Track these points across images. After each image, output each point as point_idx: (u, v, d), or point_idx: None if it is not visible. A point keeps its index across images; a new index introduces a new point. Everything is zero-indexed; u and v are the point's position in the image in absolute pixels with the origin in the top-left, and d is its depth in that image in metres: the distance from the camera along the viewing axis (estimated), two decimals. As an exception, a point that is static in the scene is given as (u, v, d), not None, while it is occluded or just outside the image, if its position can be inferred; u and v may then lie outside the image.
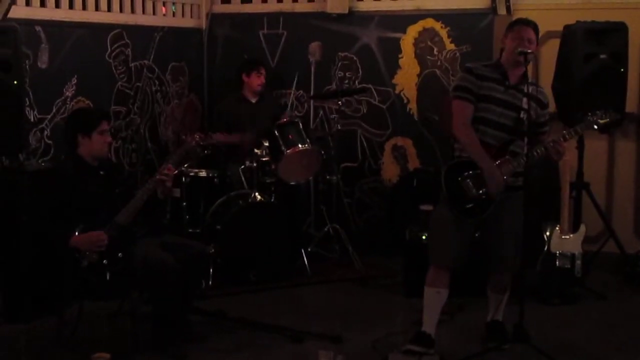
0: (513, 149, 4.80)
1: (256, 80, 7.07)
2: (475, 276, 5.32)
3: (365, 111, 7.42)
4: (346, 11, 7.32)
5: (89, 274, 4.68)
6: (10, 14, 5.49)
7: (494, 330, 5.11)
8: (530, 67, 4.85)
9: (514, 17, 6.75)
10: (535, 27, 4.83)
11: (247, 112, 7.04)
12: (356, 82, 7.41)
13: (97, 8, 6.51)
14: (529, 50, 4.74)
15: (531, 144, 4.72)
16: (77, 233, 4.70)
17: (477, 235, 4.97)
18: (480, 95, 4.80)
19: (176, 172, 5.13)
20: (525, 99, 4.73)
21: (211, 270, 6.11)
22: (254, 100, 7.15)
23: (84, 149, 4.92)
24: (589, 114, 4.98)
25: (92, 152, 4.93)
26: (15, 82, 5.21)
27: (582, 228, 5.96)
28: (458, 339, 5.20)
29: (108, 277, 4.68)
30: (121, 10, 6.79)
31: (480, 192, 4.74)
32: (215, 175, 6.70)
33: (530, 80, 4.81)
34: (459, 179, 4.78)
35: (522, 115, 4.76)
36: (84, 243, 4.68)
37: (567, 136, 4.87)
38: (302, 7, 7.60)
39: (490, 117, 4.79)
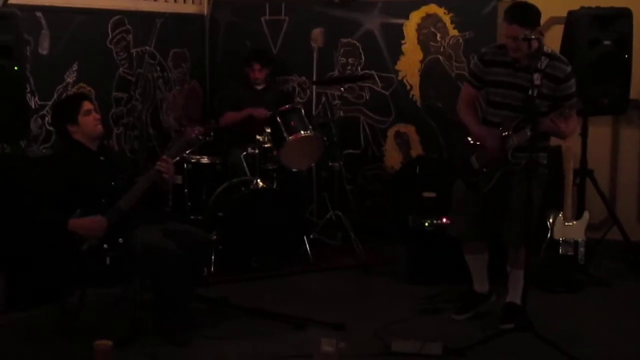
0: (522, 125, 4.91)
1: (251, 74, 7.09)
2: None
3: (367, 98, 7.39)
4: (349, -4, 7.30)
5: (89, 258, 4.66)
6: (11, 0, 5.46)
7: (506, 312, 5.14)
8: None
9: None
10: (522, 21, 4.79)
11: (251, 97, 7.04)
12: (359, 68, 7.38)
13: (98, -6, 6.49)
14: (533, 37, 4.74)
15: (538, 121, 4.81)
16: (76, 217, 4.68)
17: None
18: (486, 81, 5.06)
19: (173, 161, 5.10)
20: (538, 75, 4.83)
21: (213, 257, 6.11)
22: (259, 88, 7.15)
23: (78, 134, 4.93)
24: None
25: (86, 134, 4.94)
26: (16, 68, 5.20)
27: (586, 215, 5.94)
28: (461, 326, 5.20)
29: (108, 262, 4.67)
30: (122, -4, 6.78)
31: (482, 166, 5.04)
32: (218, 161, 6.70)
33: (550, 52, 4.93)
34: (470, 153, 5.09)
35: (530, 92, 4.79)
36: (83, 227, 4.67)
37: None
38: (304, -7, 7.57)
39: (498, 99, 5.03)
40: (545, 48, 4.93)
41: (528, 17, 4.83)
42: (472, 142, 5.11)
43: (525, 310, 4.79)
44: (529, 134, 4.80)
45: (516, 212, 4.94)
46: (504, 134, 4.93)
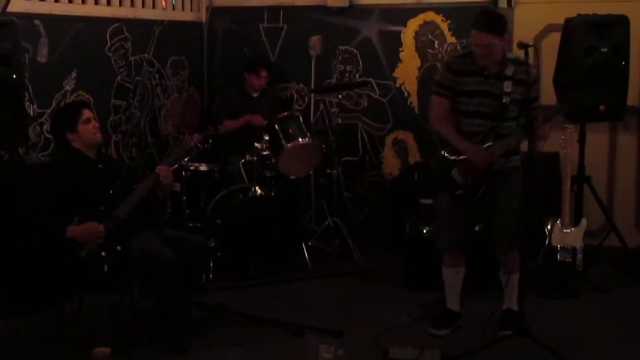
0: (502, 132, 4.93)
1: (255, 81, 7.08)
2: (475, 269, 5.40)
3: (365, 105, 7.41)
4: (347, 4, 7.29)
5: (87, 265, 4.67)
6: (10, 8, 5.47)
7: (504, 319, 5.15)
8: (531, 61, 4.84)
9: (515, 10, 6.78)
10: (490, 28, 4.81)
11: (248, 105, 7.05)
12: (357, 75, 7.39)
13: (96, 2, 6.50)
14: (530, 44, 4.77)
15: (525, 125, 4.87)
16: (74, 224, 4.69)
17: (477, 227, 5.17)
18: (457, 91, 5.00)
19: (171, 169, 5.11)
20: (509, 82, 4.86)
21: (212, 264, 6.11)
22: (255, 95, 7.15)
23: (77, 142, 4.93)
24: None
25: (85, 142, 4.94)
26: (14, 76, 5.21)
27: (584, 222, 5.95)
28: (459, 333, 5.20)
29: (106, 269, 4.67)
30: (121, 4, 6.78)
31: (466, 178, 4.98)
32: (216, 169, 6.71)
33: (514, 58, 4.93)
34: (449, 167, 5.02)
35: (504, 100, 4.87)
36: (81, 234, 4.67)
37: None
38: (302, 0, 7.57)
39: (470, 108, 4.99)
40: (508, 54, 4.96)
41: (496, 24, 4.86)
42: (448, 155, 5.04)
43: (523, 316, 4.79)
44: (513, 142, 4.88)
45: (505, 218, 4.98)
46: (486, 145, 4.92)
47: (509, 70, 4.90)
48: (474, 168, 4.95)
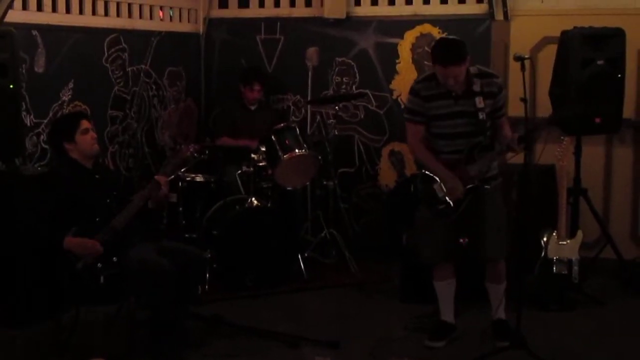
0: (484, 146, 4.97)
1: (250, 95, 7.11)
2: (468, 281, 5.41)
3: (362, 116, 7.42)
4: (343, 16, 7.32)
5: (84, 276, 4.66)
6: (7, 18, 5.48)
7: (498, 329, 5.17)
8: (527, 73, 4.85)
9: (512, 23, 6.80)
10: (457, 61, 4.80)
11: (245, 118, 7.07)
12: (353, 87, 7.41)
13: (94, 12, 6.51)
14: (527, 56, 4.83)
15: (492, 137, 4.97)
16: (71, 235, 4.68)
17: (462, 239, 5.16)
18: (430, 115, 5.00)
19: (168, 179, 5.11)
20: (480, 98, 4.89)
21: (208, 275, 6.11)
22: (252, 108, 7.17)
23: (74, 153, 4.93)
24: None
25: (83, 152, 4.94)
26: (11, 86, 5.23)
27: (580, 234, 5.95)
28: (454, 345, 5.20)
29: (102, 281, 4.66)
30: (118, 15, 6.79)
31: (446, 196, 4.97)
32: (212, 180, 6.70)
33: (477, 72, 4.94)
34: (430, 182, 5.01)
35: (480, 117, 4.90)
36: (78, 247, 4.66)
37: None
38: (299, 12, 7.59)
39: (447, 131, 5.00)
40: (471, 69, 4.95)
41: (464, 51, 4.85)
42: (428, 173, 5.04)
43: (519, 329, 4.79)
44: (495, 157, 4.95)
45: (489, 228, 5.01)
46: (467, 166, 4.95)
47: (476, 86, 4.91)
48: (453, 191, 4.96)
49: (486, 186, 4.98)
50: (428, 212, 5.06)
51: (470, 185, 4.94)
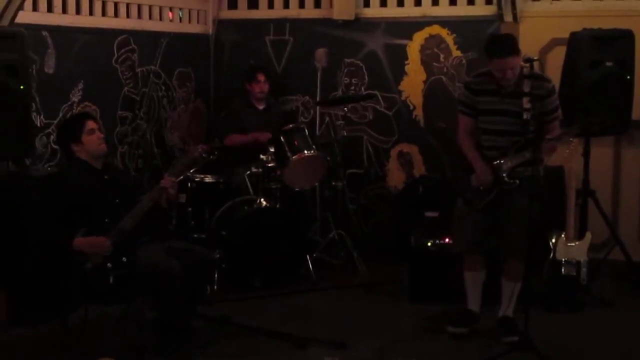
0: (521, 146, 5.04)
1: (256, 88, 7.09)
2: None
3: (371, 117, 7.42)
4: (352, 17, 7.33)
5: (93, 277, 4.67)
6: (17, 19, 5.51)
7: (505, 326, 5.21)
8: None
9: (521, 24, 6.79)
10: (513, 52, 4.96)
11: (254, 118, 7.06)
12: (362, 88, 7.42)
13: (103, 13, 6.53)
14: (535, 58, 4.90)
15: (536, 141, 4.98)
16: (80, 236, 4.70)
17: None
18: (479, 110, 5.19)
19: (177, 180, 5.12)
20: (527, 99, 4.95)
21: (216, 275, 6.12)
22: (260, 107, 7.17)
23: (82, 153, 4.94)
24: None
25: (90, 153, 4.95)
26: (21, 87, 5.25)
27: (588, 235, 5.94)
28: (464, 346, 5.20)
29: (111, 281, 4.68)
30: (128, 16, 6.81)
31: (479, 184, 5.17)
32: (221, 180, 6.71)
33: (529, 74, 4.97)
34: (467, 172, 5.22)
35: (525, 117, 4.93)
36: (87, 246, 4.67)
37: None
38: (308, 13, 7.60)
39: (492, 127, 5.17)
40: (524, 70, 5.02)
41: (516, 44, 5.04)
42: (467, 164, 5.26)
43: (527, 330, 4.79)
44: (527, 155, 4.94)
45: (515, 226, 5.06)
46: (501, 161, 5.07)
47: (527, 87, 4.98)
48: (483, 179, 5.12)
49: (515, 181, 5.07)
50: (461, 201, 5.28)
51: (500, 178, 5.07)
